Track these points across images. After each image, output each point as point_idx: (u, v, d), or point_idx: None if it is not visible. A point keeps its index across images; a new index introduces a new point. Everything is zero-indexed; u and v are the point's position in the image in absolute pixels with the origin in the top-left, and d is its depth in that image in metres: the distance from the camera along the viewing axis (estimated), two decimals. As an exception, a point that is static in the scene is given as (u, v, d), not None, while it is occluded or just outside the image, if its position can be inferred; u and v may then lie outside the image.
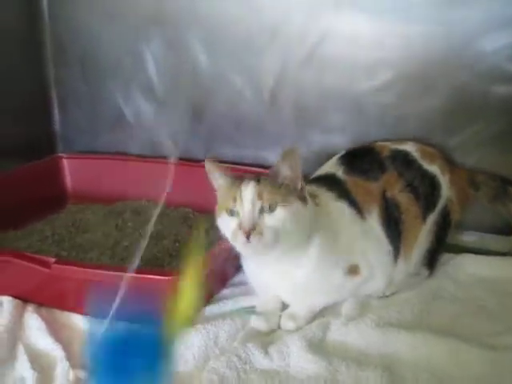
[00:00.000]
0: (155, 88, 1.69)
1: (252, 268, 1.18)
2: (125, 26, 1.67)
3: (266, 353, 1.02)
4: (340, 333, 1.09)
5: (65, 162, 1.75)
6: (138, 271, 1.16)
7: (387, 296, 1.22)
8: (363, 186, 1.24)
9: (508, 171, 1.38)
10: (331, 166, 1.31)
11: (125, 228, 1.50)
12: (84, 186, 1.73)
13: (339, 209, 1.19)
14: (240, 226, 1.02)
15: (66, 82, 1.82)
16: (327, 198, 1.19)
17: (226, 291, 1.25)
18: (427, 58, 1.38)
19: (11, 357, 1.04)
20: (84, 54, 1.76)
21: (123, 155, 1.76)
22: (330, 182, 1.24)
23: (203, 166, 1.58)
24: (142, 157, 1.74)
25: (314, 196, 1.16)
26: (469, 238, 1.44)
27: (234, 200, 1.04)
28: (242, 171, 1.36)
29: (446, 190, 1.30)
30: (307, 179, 1.23)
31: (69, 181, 1.75)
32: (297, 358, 1.01)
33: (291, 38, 1.49)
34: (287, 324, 1.13)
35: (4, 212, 1.46)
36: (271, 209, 1.03)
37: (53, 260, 1.09)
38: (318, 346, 1.05)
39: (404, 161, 1.29)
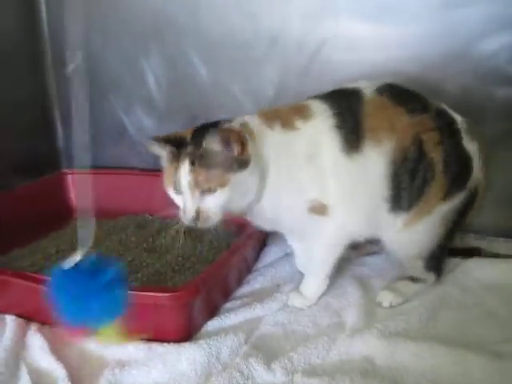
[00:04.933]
0: (156, 101, 1.70)
1: None
2: (124, 41, 1.69)
3: (269, 368, 1.00)
4: (345, 344, 1.07)
5: (69, 177, 1.76)
6: (141, 289, 1.18)
7: (394, 306, 1.20)
8: (390, 114, 1.11)
9: (510, 172, 1.36)
10: (366, 82, 1.17)
11: (128, 243, 1.50)
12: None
13: (325, 139, 1.10)
14: (184, 211, 1.05)
15: (68, 97, 1.81)
16: (320, 123, 1.11)
17: (227, 304, 1.23)
18: (427, 61, 1.38)
19: (14, 377, 1.03)
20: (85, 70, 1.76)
21: (126, 169, 1.77)
22: (344, 99, 1.13)
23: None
24: (144, 170, 1.74)
25: (304, 115, 1.12)
26: (477, 242, 1.42)
27: (174, 184, 1.07)
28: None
29: (478, 174, 1.18)
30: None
31: (73, 196, 1.75)
32: (300, 373, 0.99)
33: (290, 46, 1.49)
34: (295, 301, 1.21)
35: (9, 230, 1.45)
36: (211, 191, 1.03)
37: (52, 279, 1.08)
38: (322, 360, 1.04)
39: (448, 123, 1.15)
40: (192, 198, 1.03)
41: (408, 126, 1.11)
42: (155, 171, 1.69)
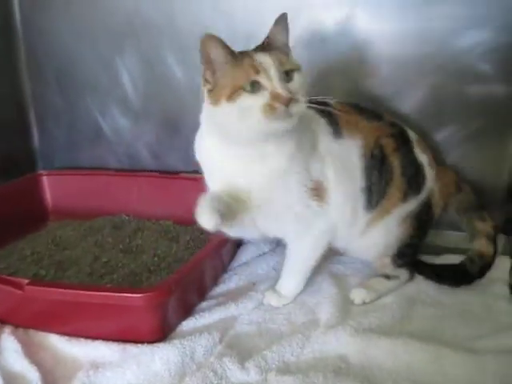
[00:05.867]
0: (131, 102, 1.70)
1: (221, 157, 1.10)
2: (99, 41, 1.68)
3: (243, 367, 1.00)
4: (319, 342, 1.07)
5: (44, 179, 1.75)
6: (114, 290, 1.17)
7: (366, 303, 1.20)
8: (353, 118, 1.21)
9: (484, 169, 1.37)
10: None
11: (104, 244, 1.49)
12: (64, 203, 1.73)
13: (319, 123, 1.16)
14: (274, 98, 0.96)
15: (43, 98, 1.81)
16: (309, 111, 1.12)
17: (203, 304, 1.23)
18: (400, 59, 1.39)
19: (-13, 380, 1.03)
20: (60, 70, 1.76)
21: (102, 170, 1.76)
22: (315, 102, 1.15)
23: (182, 178, 1.61)
24: (120, 171, 1.74)
25: None
26: (450, 238, 1.43)
27: (256, 71, 0.98)
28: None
29: (430, 183, 1.27)
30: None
31: (49, 198, 1.75)
32: (274, 371, 0.99)
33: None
34: (270, 300, 1.21)
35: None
36: (289, 77, 1.00)
37: (26, 281, 1.07)
38: (296, 358, 1.04)
39: (401, 132, 1.26)
40: (282, 78, 0.98)
41: (369, 129, 1.21)
42: (131, 171, 1.72)
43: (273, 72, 0.98)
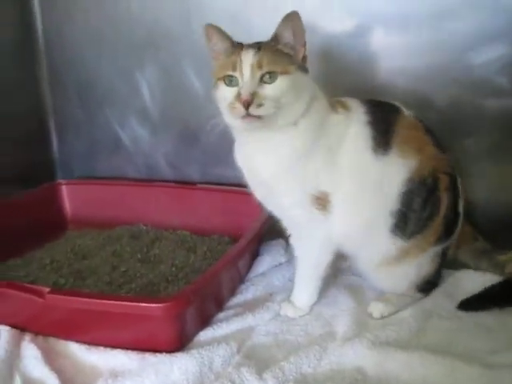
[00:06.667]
0: (150, 113, 1.72)
1: (241, 146, 1.15)
2: (119, 53, 1.71)
3: (261, 378, 1.00)
4: (336, 354, 1.07)
5: (64, 188, 1.77)
6: (132, 299, 1.18)
7: (385, 317, 1.20)
8: (418, 136, 1.16)
9: (502, 183, 1.37)
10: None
11: (122, 253, 1.51)
12: (83, 212, 1.75)
13: (355, 133, 1.12)
14: (237, 97, 1.01)
15: (64, 109, 1.85)
16: (355, 116, 1.14)
17: (220, 314, 1.23)
18: (416, 73, 1.40)
19: (8, 387, 1.04)
20: (80, 82, 1.80)
21: (120, 180, 1.79)
22: (382, 107, 1.17)
23: (199, 189, 1.63)
24: (138, 181, 1.76)
25: (344, 106, 1.14)
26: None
27: (234, 67, 1.03)
28: (239, 193, 1.37)
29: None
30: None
31: (68, 207, 1.77)
32: (292, 382, 1.00)
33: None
34: (287, 311, 1.22)
35: (4, 240, 1.46)
36: (272, 79, 1.01)
37: (47, 290, 1.09)
38: (314, 369, 1.04)
39: (455, 176, 1.21)
40: (252, 79, 1.01)
41: (431, 156, 1.16)
42: (149, 182, 1.73)
43: (246, 71, 1.01)
